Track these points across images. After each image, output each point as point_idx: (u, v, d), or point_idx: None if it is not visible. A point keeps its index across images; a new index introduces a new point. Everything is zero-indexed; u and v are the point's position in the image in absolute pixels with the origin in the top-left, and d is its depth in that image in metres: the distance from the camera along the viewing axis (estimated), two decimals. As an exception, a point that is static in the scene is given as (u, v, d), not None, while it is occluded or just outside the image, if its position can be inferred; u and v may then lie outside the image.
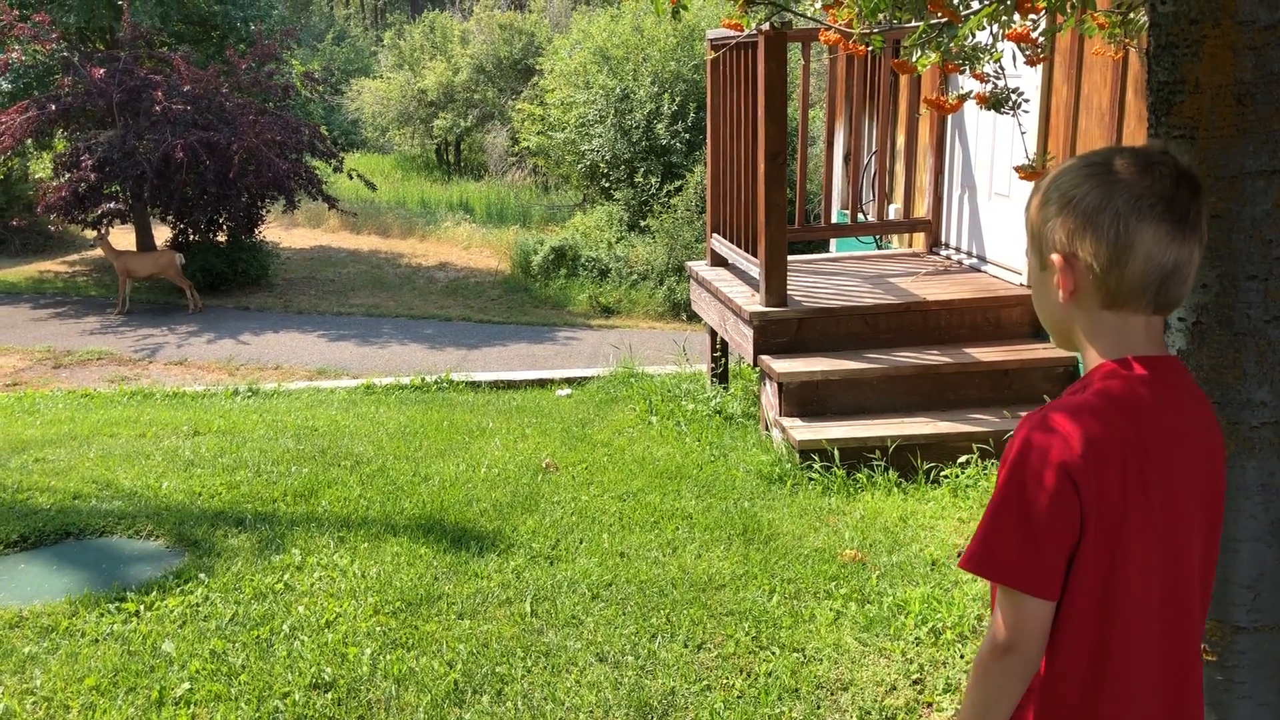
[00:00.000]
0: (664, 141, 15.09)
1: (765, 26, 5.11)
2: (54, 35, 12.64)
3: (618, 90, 15.66)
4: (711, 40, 6.43)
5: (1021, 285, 5.75)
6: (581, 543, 4.25)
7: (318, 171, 14.03)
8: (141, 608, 3.64)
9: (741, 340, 5.85)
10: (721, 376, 7.00)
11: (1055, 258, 1.47)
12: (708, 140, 6.85)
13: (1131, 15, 3.44)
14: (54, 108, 12.41)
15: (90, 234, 13.48)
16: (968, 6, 3.36)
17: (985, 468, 4.81)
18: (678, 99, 15.26)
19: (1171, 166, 1.43)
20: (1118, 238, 1.41)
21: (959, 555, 1.46)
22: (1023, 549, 1.40)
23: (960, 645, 3.35)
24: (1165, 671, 1.48)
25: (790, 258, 5.76)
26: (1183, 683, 1.50)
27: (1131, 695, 1.46)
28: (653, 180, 14.91)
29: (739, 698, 3.10)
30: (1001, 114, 3.48)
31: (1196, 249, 1.44)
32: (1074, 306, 1.48)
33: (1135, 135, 4.73)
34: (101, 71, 12.34)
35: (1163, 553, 1.43)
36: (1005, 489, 1.42)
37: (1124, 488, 1.40)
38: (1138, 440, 1.41)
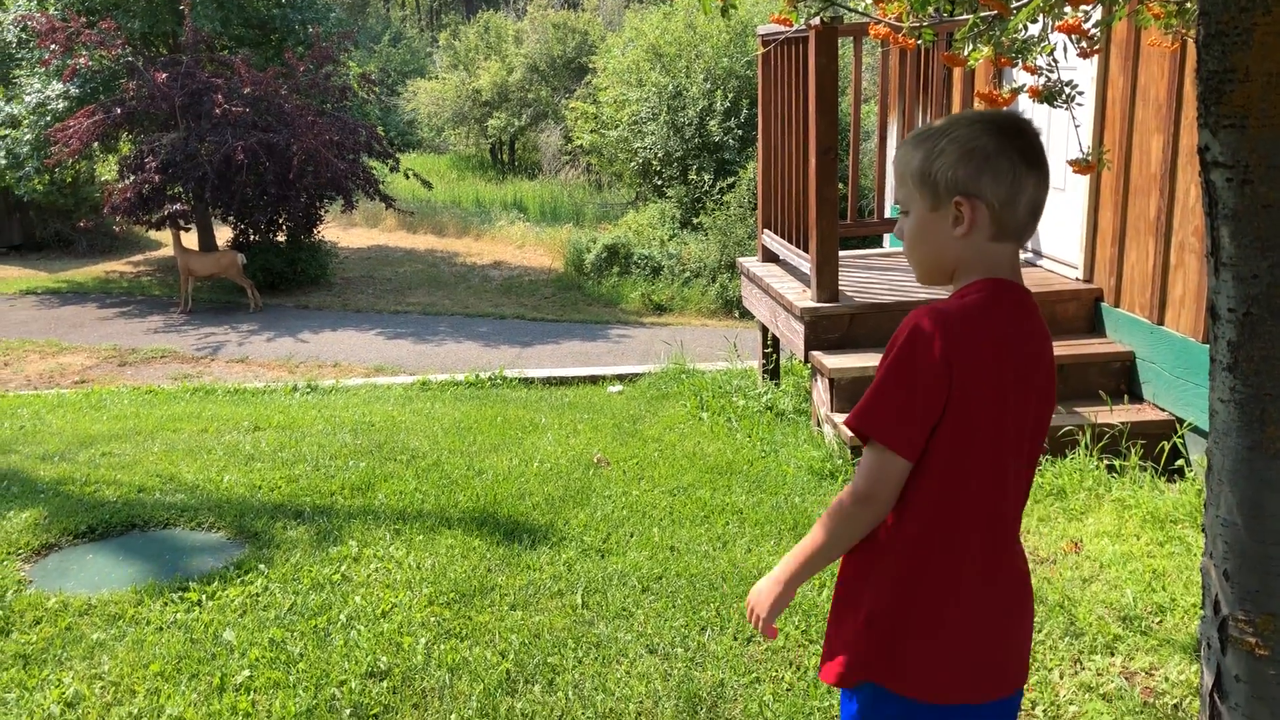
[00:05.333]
0: (717, 138, 15.09)
1: (816, 21, 5.11)
2: (119, 41, 12.94)
3: (670, 87, 15.67)
4: (762, 36, 6.43)
5: (1078, 279, 5.69)
6: (632, 536, 4.28)
7: (374, 171, 14.23)
8: (203, 597, 3.73)
9: (793, 336, 5.85)
10: (773, 373, 6.99)
11: (959, 199, 1.69)
12: (759, 136, 6.85)
13: (1188, 4, 3.40)
14: (119, 111, 12.71)
15: (155, 234, 13.79)
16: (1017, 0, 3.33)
17: (1039, 464, 4.76)
18: (730, 95, 15.24)
19: (1028, 126, 1.72)
20: (1014, 180, 1.68)
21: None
22: (899, 415, 1.67)
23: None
24: (986, 533, 1.75)
25: (842, 253, 5.75)
26: (1000, 551, 1.79)
27: (954, 537, 1.73)
28: (705, 177, 14.91)
29: (788, 690, 3.11)
30: (1055, 107, 3.46)
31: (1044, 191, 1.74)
32: (964, 241, 1.72)
33: (1194, 126, 4.64)
34: (164, 76, 12.62)
35: (1001, 435, 1.71)
36: (893, 364, 1.67)
37: (984, 376, 1.66)
38: (1002, 340, 1.69)
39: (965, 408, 1.66)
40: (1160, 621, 3.46)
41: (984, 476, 1.72)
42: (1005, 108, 4.70)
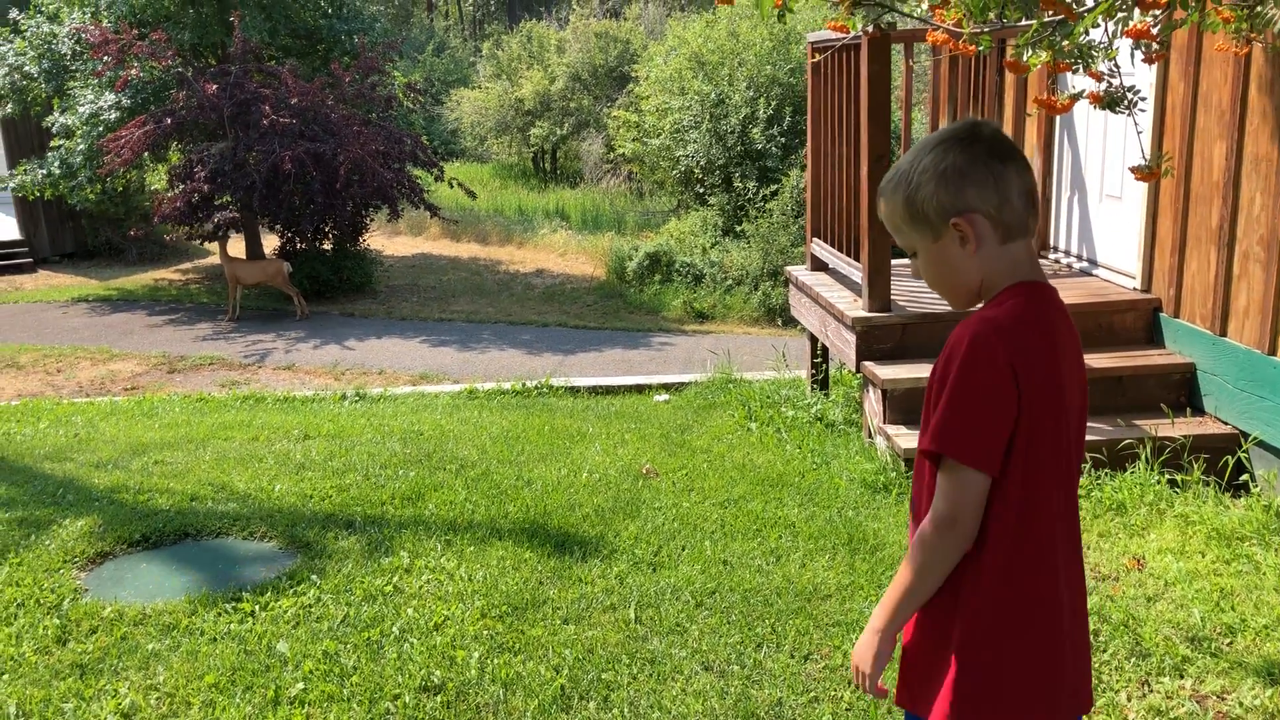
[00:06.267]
0: (759, 146, 15.02)
1: (869, 28, 5.05)
2: (170, 52, 13.12)
3: (713, 95, 15.63)
4: (813, 43, 6.38)
5: (1135, 289, 5.58)
6: (684, 549, 4.24)
7: (419, 180, 14.31)
8: (257, 608, 3.74)
9: (843, 346, 5.78)
10: (822, 383, 6.92)
11: (955, 220, 1.68)
12: (808, 144, 6.79)
13: (1259, 9, 3.31)
14: (169, 121, 12.89)
15: (204, 243, 13.95)
16: (1082, 4, 3.27)
17: (1098, 478, 4.67)
18: (773, 103, 15.17)
19: (984, 125, 1.72)
20: (997, 178, 1.67)
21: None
22: (974, 429, 1.63)
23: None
24: (1064, 535, 1.73)
25: (893, 261, 5.68)
26: (1074, 548, 1.76)
27: (1043, 553, 1.69)
28: (749, 185, 14.85)
29: (847, 710, 3.06)
30: (1116, 113, 3.38)
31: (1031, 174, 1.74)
32: (979, 256, 1.70)
33: (1259, 133, 4.55)
34: (214, 87, 12.78)
35: (1062, 434, 1.69)
36: (959, 379, 1.63)
37: (1042, 380, 1.65)
38: (1050, 343, 1.68)
39: (1033, 415, 1.63)
40: (1230, 643, 3.36)
41: (1056, 485, 1.69)
42: (1063, 113, 4.61)
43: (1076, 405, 1.74)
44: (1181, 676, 3.17)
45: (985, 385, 1.62)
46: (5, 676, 3.29)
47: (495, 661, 3.32)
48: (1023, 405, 1.62)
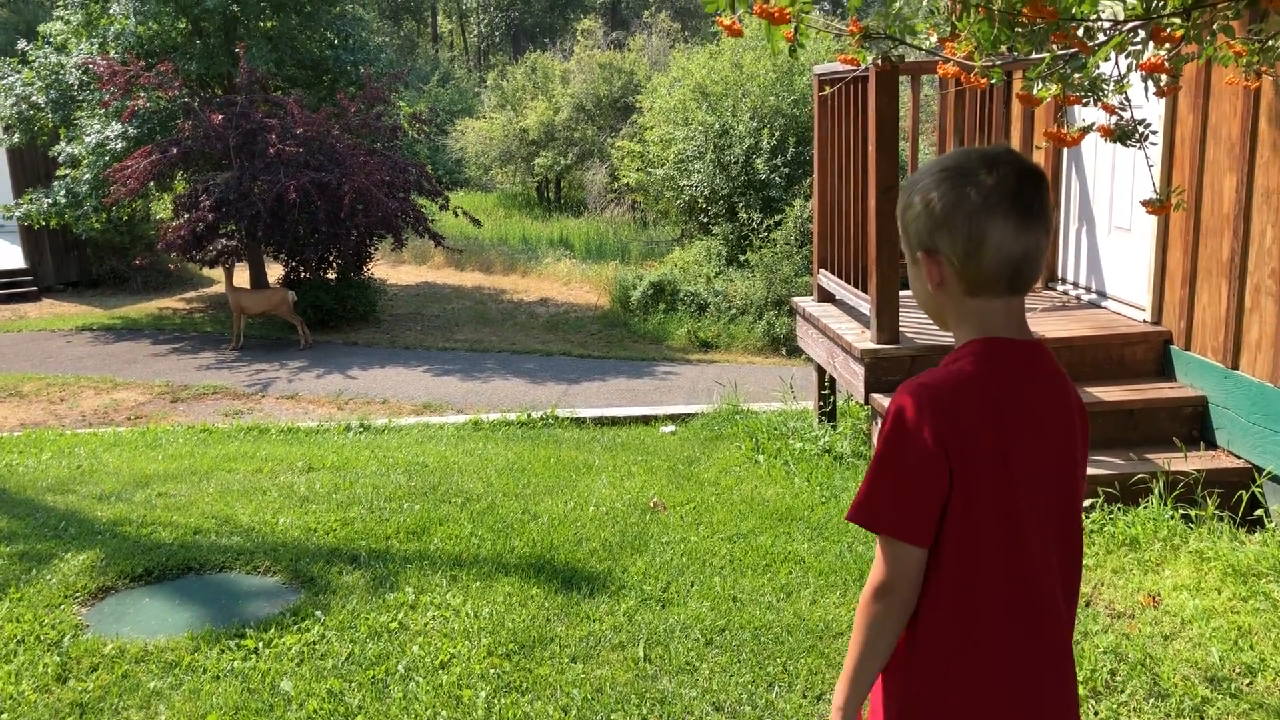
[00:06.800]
0: (763, 176, 15.06)
1: (879, 61, 5.05)
2: (176, 83, 13.19)
3: (717, 126, 15.69)
4: (820, 75, 6.38)
5: (1145, 321, 5.54)
6: (693, 585, 4.19)
7: (424, 209, 14.34)
8: (260, 645, 3.68)
9: (851, 378, 5.75)
10: (829, 415, 6.88)
11: (920, 253, 1.62)
12: (815, 175, 6.79)
13: (1271, 43, 3.30)
14: (175, 151, 12.94)
15: (208, 271, 13.96)
16: (1093, 38, 3.26)
17: (1110, 512, 4.61)
18: (777, 134, 15.22)
19: (1015, 165, 1.57)
20: (970, 234, 1.56)
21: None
22: (899, 502, 1.57)
23: (1093, 701, 3.20)
24: (1024, 610, 1.60)
25: (901, 293, 5.65)
26: (1044, 623, 1.62)
27: (985, 636, 1.59)
28: (753, 215, 14.87)
29: (862, 752, 2.99)
30: (1128, 147, 3.36)
31: (1043, 236, 1.59)
32: (942, 294, 1.63)
33: (1269, 165, 4.53)
34: (220, 117, 12.83)
35: (1013, 509, 1.57)
36: (883, 447, 1.58)
37: (983, 450, 1.55)
38: (995, 409, 1.57)
39: (969, 485, 1.55)
40: (1250, 683, 3.30)
41: (1002, 557, 1.59)
42: (1073, 146, 4.60)
43: (1051, 479, 1.63)
44: (1201, 718, 3.11)
45: (907, 457, 1.55)
46: (4, 716, 3.24)
47: (502, 701, 3.27)
48: (954, 478, 1.55)
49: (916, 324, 5.89)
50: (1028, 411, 1.60)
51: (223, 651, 3.65)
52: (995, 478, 1.56)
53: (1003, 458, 1.56)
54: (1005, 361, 1.61)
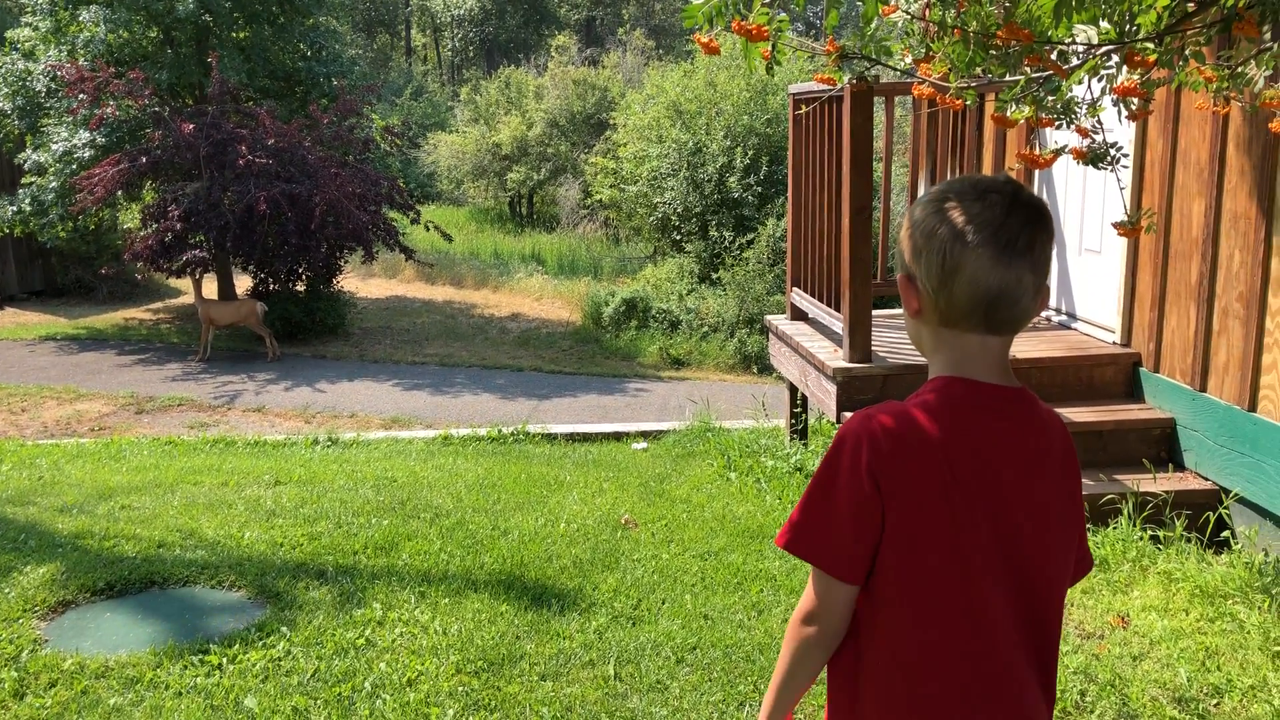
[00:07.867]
0: (736, 194, 15.11)
1: (854, 81, 5.07)
2: (146, 91, 13.06)
3: (690, 144, 15.74)
4: (794, 95, 6.41)
5: (1115, 344, 5.59)
6: (664, 603, 4.16)
7: (395, 223, 14.26)
8: (224, 660, 3.62)
9: (824, 396, 5.75)
10: (801, 433, 6.89)
11: (899, 276, 1.59)
12: (789, 194, 6.81)
13: (1240, 69, 3.34)
14: (144, 160, 12.80)
15: (175, 282, 13.81)
16: (1067, 61, 3.28)
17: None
18: (750, 152, 15.29)
19: (1007, 195, 1.49)
20: (944, 262, 1.49)
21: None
22: (829, 535, 1.50)
23: (1062, 718, 3.20)
24: (968, 674, 1.50)
25: (874, 312, 5.67)
26: (993, 698, 1.51)
27: (929, 689, 1.50)
28: (725, 233, 14.92)
29: (833, 772, 2.98)
30: (1099, 169, 3.39)
31: (1026, 273, 1.48)
32: (920, 321, 1.57)
33: (1237, 190, 4.59)
34: (191, 126, 12.71)
35: (963, 557, 1.48)
36: (819, 476, 1.52)
37: (927, 501, 1.46)
38: (944, 451, 1.48)
39: (907, 527, 1.47)
40: (1217, 704, 3.32)
41: (950, 606, 1.49)
42: (1045, 168, 4.64)
43: (1014, 528, 1.51)
44: (1171, 739, 3.12)
45: (840, 491, 1.49)
46: (-41, 732, 3.17)
47: (471, 719, 3.22)
48: (888, 523, 1.46)
49: (889, 343, 5.92)
50: (985, 465, 1.49)
51: (186, 667, 3.58)
52: (940, 532, 1.47)
53: (949, 513, 1.47)
54: (968, 407, 1.51)
